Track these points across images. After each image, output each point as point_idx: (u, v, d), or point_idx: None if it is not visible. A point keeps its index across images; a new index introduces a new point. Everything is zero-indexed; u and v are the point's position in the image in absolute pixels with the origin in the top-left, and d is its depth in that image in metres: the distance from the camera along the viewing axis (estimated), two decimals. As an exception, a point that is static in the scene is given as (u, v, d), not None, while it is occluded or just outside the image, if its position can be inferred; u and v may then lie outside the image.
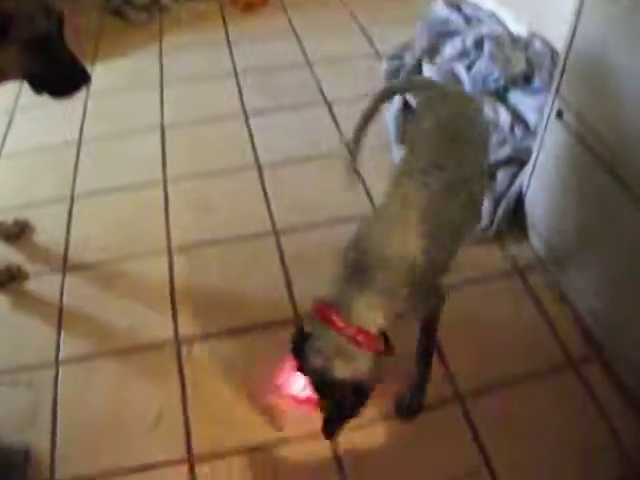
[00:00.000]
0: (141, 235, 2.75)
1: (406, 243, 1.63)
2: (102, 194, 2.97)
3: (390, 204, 1.77)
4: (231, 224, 2.75)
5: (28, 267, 2.65)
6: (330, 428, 1.71)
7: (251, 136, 3.23)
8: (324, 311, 1.63)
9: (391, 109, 3.21)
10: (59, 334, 2.39)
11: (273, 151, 3.12)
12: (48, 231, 2.82)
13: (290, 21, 4.19)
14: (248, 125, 3.30)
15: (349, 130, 3.13)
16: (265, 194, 2.89)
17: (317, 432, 1.98)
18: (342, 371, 1.60)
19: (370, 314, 1.62)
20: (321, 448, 1.99)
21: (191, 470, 1.98)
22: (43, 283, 2.60)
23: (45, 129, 3.39)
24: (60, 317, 2.45)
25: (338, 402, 1.64)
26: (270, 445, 1.98)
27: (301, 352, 1.65)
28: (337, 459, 1.98)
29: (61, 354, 2.32)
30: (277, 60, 3.80)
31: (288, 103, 3.43)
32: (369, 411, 2.05)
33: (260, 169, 3.03)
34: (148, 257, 2.64)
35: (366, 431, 2.03)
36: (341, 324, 1.60)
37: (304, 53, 3.84)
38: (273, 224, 2.73)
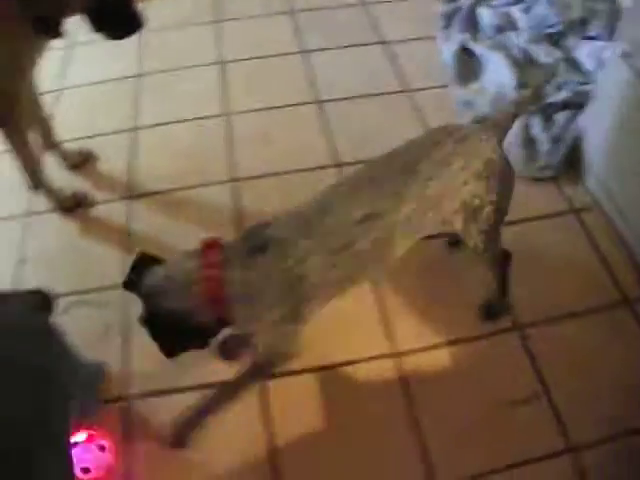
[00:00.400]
0: (204, 165, 2.82)
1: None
2: (165, 126, 3.03)
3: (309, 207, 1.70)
4: (292, 157, 2.80)
5: (94, 195, 2.74)
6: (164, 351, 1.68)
7: (310, 73, 3.26)
8: (210, 244, 1.61)
9: (450, 48, 3.22)
10: (127, 258, 2.44)
11: (332, 88, 3.15)
12: (113, 161, 2.89)
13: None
14: (306, 62, 3.33)
15: (406, 70, 3.21)
16: (325, 129, 2.93)
17: (384, 354, 2.09)
18: (172, 299, 1.56)
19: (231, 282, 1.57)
20: (387, 369, 2.07)
21: (262, 390, 2.06)
22: (110, 210, 2.69)
23: (103, 64, 3.43)
24: (127, 242, 2.54)
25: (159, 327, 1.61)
26: (338, 365, 2.05)
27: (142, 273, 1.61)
28: (403, 380, 2.06)
29: (130, 276, 2.39)
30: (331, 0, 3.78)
31: (345, 42, 3.43)
32: (433, 337, 2.14)
33: (320, 105, 3.06)
34: (211, 187, 2.71)
35: (430, 355, 2.11)
36: (211, 262, 1.56)
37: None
38: (334, 157, 2.78)
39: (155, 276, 1.59)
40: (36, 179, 2.60)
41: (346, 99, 3.08)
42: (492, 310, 2.20)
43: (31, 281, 2.39)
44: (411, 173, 1.66)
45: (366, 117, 2.98)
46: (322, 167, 2.73)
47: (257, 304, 1.61)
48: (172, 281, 1.57)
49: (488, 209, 1.79)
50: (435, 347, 2.13)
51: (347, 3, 3.73)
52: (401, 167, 1.69)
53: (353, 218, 1.61)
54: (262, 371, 1.86)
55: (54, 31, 2.20)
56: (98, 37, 2.23)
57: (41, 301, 1.83)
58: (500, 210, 1.83)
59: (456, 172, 1.70)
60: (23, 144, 2.48)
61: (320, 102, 3.07)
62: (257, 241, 1.60)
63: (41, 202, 2.68)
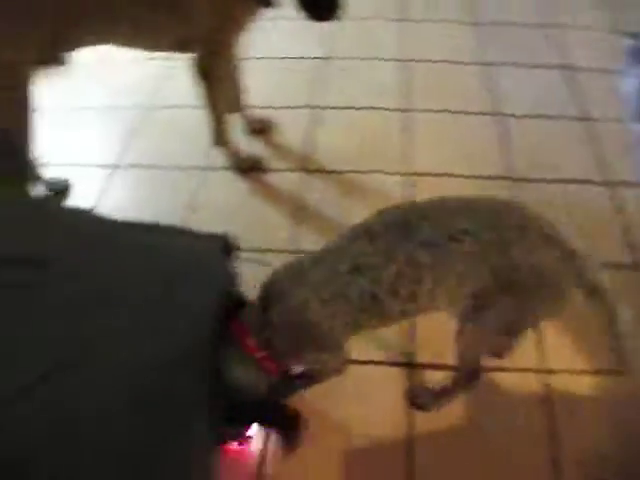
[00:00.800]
0: (380, 154, 2.92)
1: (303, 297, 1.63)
2: (346, 110, 3.17)
3: (308, 256, 1.72)
4: (465, 162, 2.86)
5: (270, 162, 2.90)
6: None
7: (489, 85, 3.32)
8: (239, 332, 1.68)
9: (633, 84, 3.19)
10: (296, 226, 2.61)
11: (510, 103, 3.20)
12: (292, 133, 3.05)
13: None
14: (487, 74, 3.39)
15: (585, 98, 3.21)
16: (501, 141, 2.98)
17: (532, 368, 2.11)
18: (248, 390, 1.68)
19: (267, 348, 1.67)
20: (533, 383, 2.10)
21: (409, 374, 2.14)
22: (283, 178, 2.84)
23: (297, 42, 3.63)
24: (296, 212, 2.67)
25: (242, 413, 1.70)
26: (487, 369, 2.08)
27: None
28: (547, 397, 2.07)
29: (298, 246, 2.52)
30: (519, 17, 3.84)
31: (527, 61, 3.48)
32: (581, 362, 2.15)
33: (497, 117, 3.12)
34: (384, 175, 2.80)
35: (576, 378, 2.12)
36: (252, 347, 1.66)
37: (542, 13, 3.86)
38: (507, 170, 2.82)
39: (228, 375, 1.67)
40: (220, 137, 2.75)
41: (523, 116, 3.11)
42: (417, 400, 2.08)
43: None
44: (408, 233, 1.59)
45: (540, 137, 3.01)
46: (494, 177, 2.79)
47: (294, 353, 1.74)
48: (239, 376, 1.68)
49: (491, 312, 1.65)
50: (581, 372, 2.14)
51: (533, 23, 3.78)
52: (402, 222, 1.62)
53: (341, 269, 1.60)
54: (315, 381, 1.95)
55: (267, 1, 2.34)
56: (300, 15, 2.34)
57: (225, 246, 1.94)
58: (505, 323, 1.70)
59: (463, 254, 1.57)
60: (217, 101, 2.64)
61: (497, 115, 3.12)
62: (262, 305, 1.67)
63: (219, 159, 2.85)
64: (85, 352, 1.54)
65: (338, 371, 1.87)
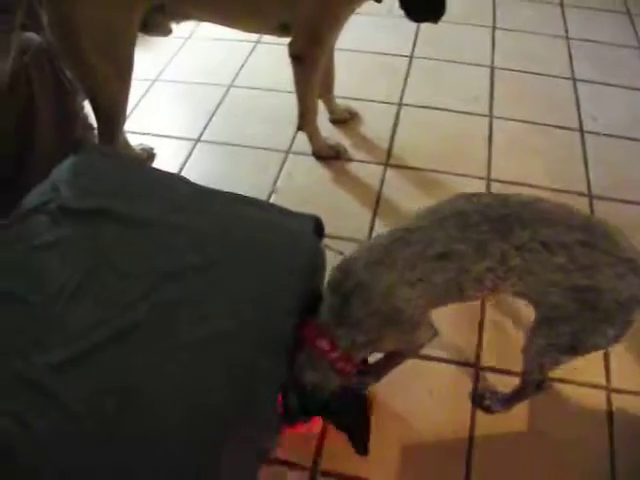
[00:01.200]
0: (460, 156, 2.94)
1: (388, 281, 1.61)
2: (429, 109, 3.20)
3: (386, 236, 1.70)
4: (546, 174, 2.86)
5: (352, 152, 2.94)
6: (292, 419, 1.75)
7: (575, 100, 3.31)
8: (311, 334, 1.67)
9: None
10: (374, 218, 2.65)
11: (595, 121, 3.18)
12: (374, 127, 3.09)
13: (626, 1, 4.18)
14: (573, 90, 3.38)
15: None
16: (584, 158, 2.97)
17: (596, 384, 2.12)
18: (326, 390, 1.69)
19: (347, 343, 1.66)
20: (594, 398, 2.12)
21: (476, 375, 2.16)
22: (364, 170, 2.87)
23: (385, 37, 3.66)
24: (375, 204, 2.71)
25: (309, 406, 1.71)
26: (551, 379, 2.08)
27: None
28: (608, 414, 2.07)
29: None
30: (608, 36, 3.81)
31: (615, 81, 3.45)
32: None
33: (581, 133, 3.11)
34: (464, 178, 2.82)
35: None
36: (326, 349, 1.65)
37: (636, 37, 3.84)
38: (588, 187, 2.81)
39: (305, 378, 1.69)
40: (307, 122, 2.80)
41: (608, 136, 3.10)
42: (483, 402, 2.08)
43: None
44: (505, 232, 1.57)
45: (623, 158, 2.99)
46: (572, 192, 2.77)
47: (372, 344, 1.72)
48: (316, 379, 1.69)
49: (565, 328, 1.65)
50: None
51: (625, 43, 3.76)
52: (497, 218, 1.59)
53: (429, 252, 1.59)
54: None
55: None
56: (398, 13, 2.35)
57: (316, 227, 1.97)
58: (575, 340, 1.66)
59: (553, 265, 1.56)
60: (309, 87, 2.67)
61: (581, 131, 3.12)
62: (341, 295, 1.65)
63: (302, 144, 2.91)
64: (168, 318, 1.59)
65: (422, 345, 1.87)
